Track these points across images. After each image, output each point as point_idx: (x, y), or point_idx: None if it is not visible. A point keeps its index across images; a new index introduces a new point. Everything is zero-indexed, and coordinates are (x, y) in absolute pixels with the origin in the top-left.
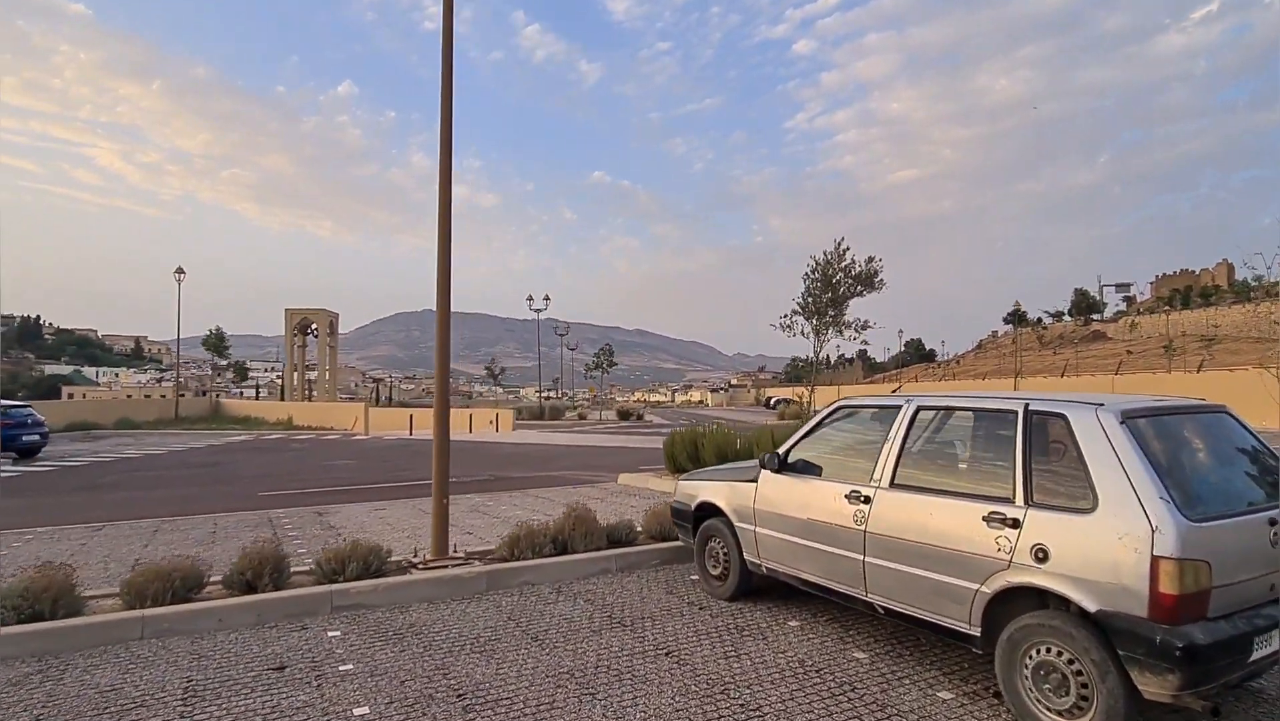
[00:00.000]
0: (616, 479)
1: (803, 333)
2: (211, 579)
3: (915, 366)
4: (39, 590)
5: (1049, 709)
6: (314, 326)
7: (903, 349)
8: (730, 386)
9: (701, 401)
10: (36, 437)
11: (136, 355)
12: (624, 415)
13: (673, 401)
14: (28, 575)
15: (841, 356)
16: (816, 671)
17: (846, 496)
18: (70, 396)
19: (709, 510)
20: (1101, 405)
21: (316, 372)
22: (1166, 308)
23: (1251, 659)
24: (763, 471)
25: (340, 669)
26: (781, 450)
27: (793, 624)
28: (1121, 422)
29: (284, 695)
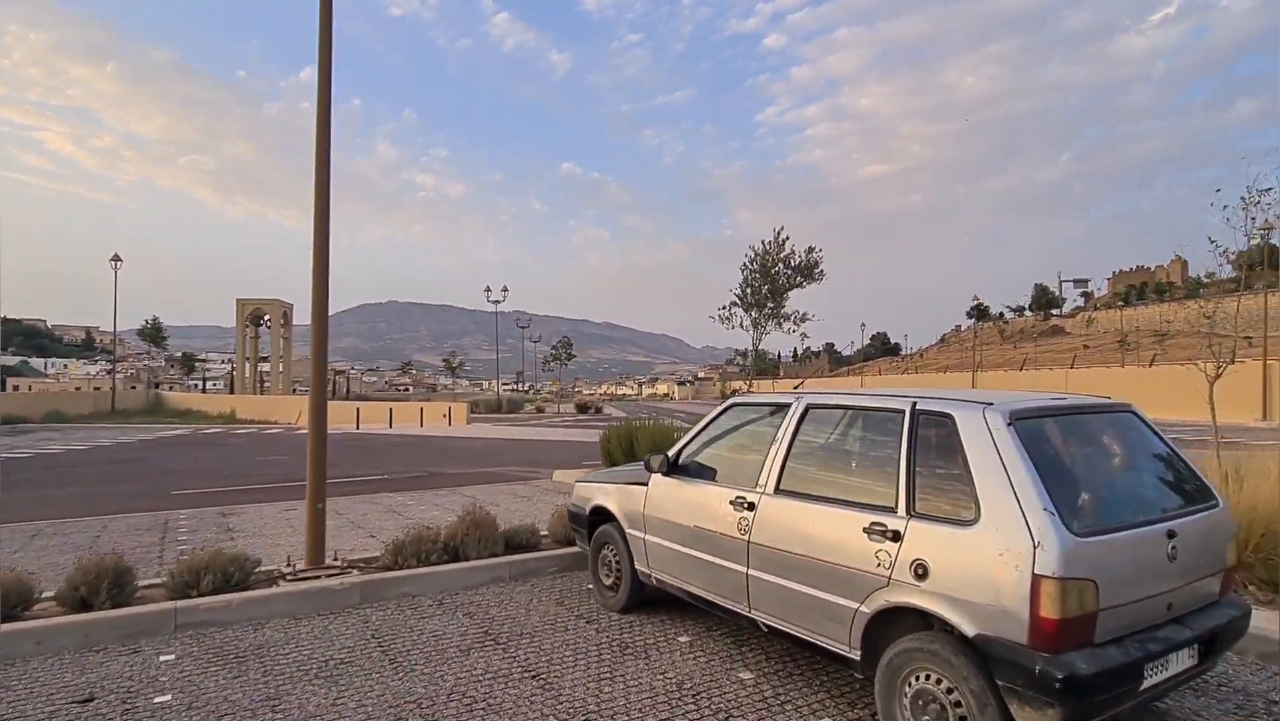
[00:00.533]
0: (552, 475)
1: (741, 325)
2: (46, 594)
3: (880, 360)
4: None
5: None
6: (267, 317)
7: (868, 342)
8: (697, 380)
9: (668, 395)
10: None
11: (88, 346)
12: (582, 409)
13: (639, 395)
14: None
15: (808, 349)
16: (694, 696)
17: (732, 502)
18: (15, 389)
19: (603, 515)
20: (991, 404)
21: (271, 364)
22: (1121, 303)
23: (1143, 687)
24: (653, 475)
25: (156, 700)
26: (672, 451)
27: (683, 639)
28: (1009, 424)
29: None
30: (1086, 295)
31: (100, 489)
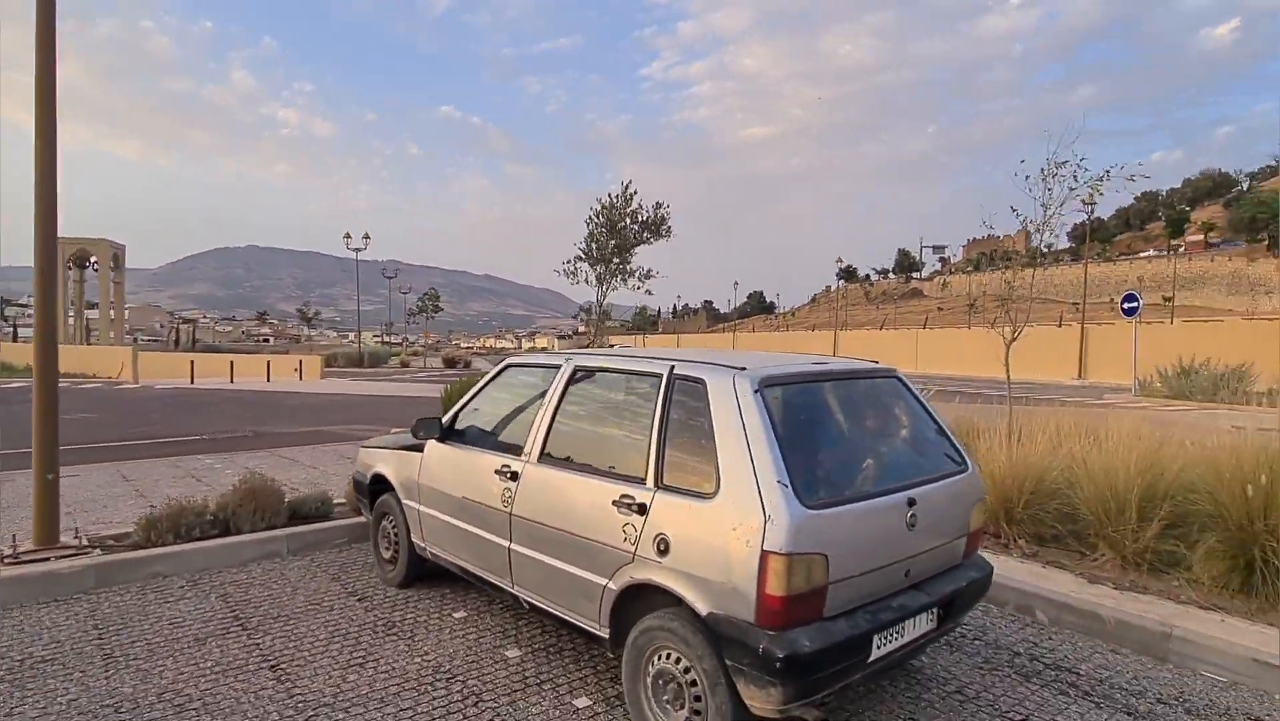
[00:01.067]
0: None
1: (587, 280)
2: None
3: (755, 317)
4: None
5: None
6: (93, 259)
7: (745, 300)
8: (576, 334)
9: (546, 348)
10: None
11: None
12: (450, 363)
13: (518, 348)
14: None
15: (686, 306)
16: (448, 679)
17: (497, 472)
18: None
19: (383, 483)
20: (743, 369)
21: (100, 311)
22: (972, 269)
23: (872, 658)
24: (428, 441)
25: None
26: (447, 416)
27: (459, 615)
28: (756, 391)
29: None
30: (944, 260)
31: None
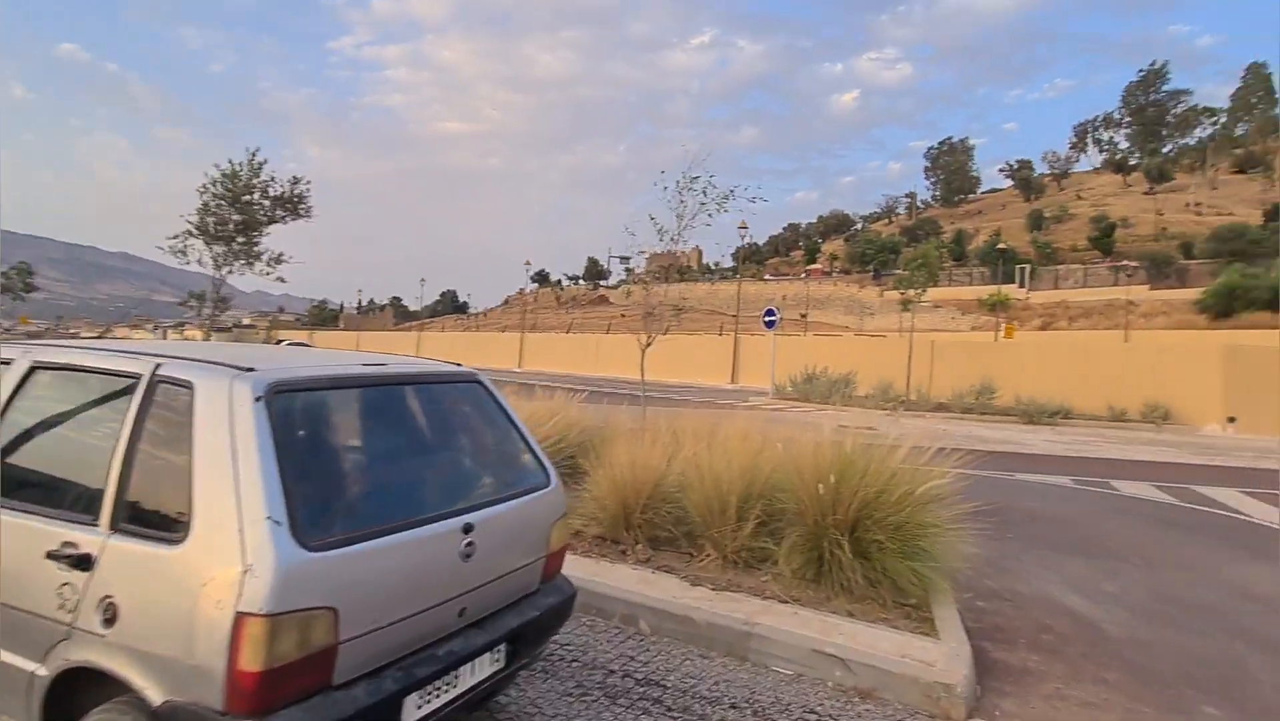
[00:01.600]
0: None
1: (200, 260)
2: None
3: (447, 317)
4: None
5: None
6: None
7: (438, 298)
8: (238, 326)
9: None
10: None
11: None
12: None
13: (164, 339)
14: None
15: (371, 302)
16: None
17: None
18: None
19: None
20: (251, 370)
21: None
22: (647, 279)
23: None
24: None
25: None
26: None
27: None
28: (260, 398)
29: None
30: (629, 270)
31: None
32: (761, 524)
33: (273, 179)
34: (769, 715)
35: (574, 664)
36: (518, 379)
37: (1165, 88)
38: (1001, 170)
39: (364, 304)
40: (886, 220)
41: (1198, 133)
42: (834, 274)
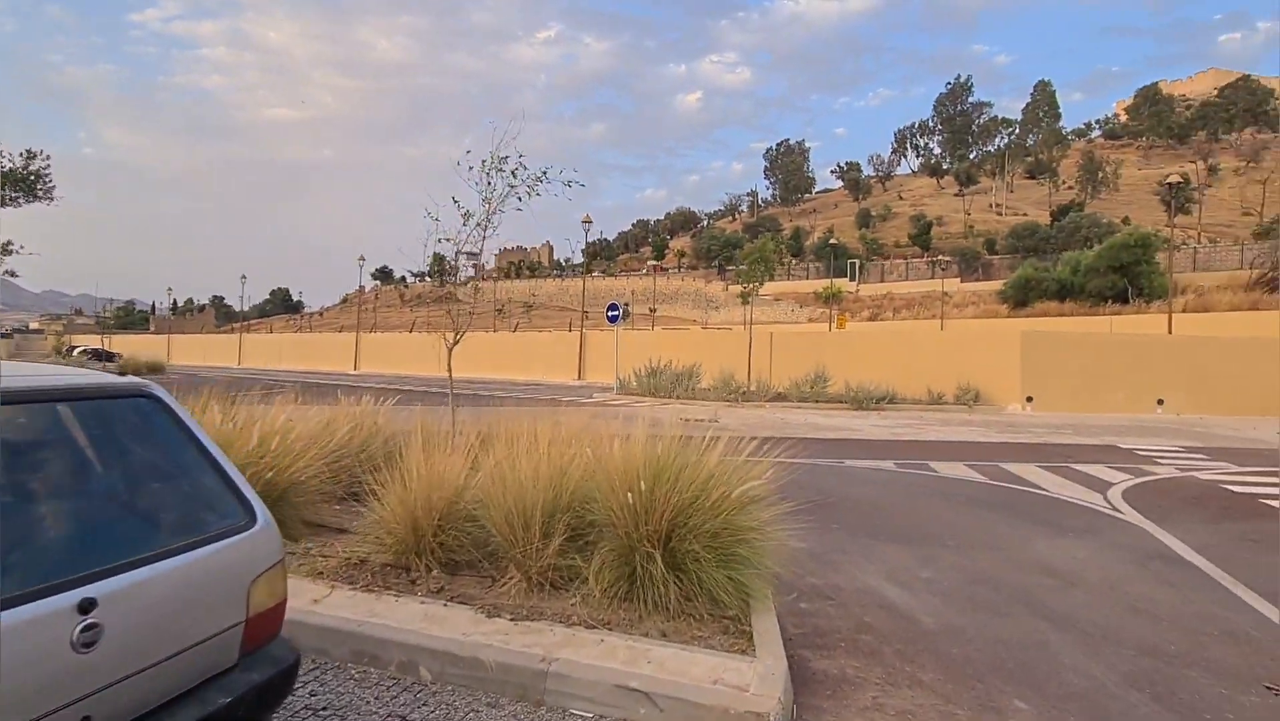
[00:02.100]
0: None
1: None
2: None
3: (279, 316)
4: None
5: None
6: None
7: (266, 297)
8: (25, 330)
9: None
10: None
11: None
12: None
13: None
14: None
15: (190, 302)
16: None
17: None
18: None
19: None
20: None
21: None
22: (497, 275)
23: None
24: None
25: None
26: None
27: None
28: None
29: None
30: (477, 267)
31: None
32: (572, 538)
33: (3, 152)
34: None
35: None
36: (349, 382)
37: (970, 100)
38: (833, 172)
39: (179, 304)
40: (730, 218)
41: (997, 141)
42: (681, 269)
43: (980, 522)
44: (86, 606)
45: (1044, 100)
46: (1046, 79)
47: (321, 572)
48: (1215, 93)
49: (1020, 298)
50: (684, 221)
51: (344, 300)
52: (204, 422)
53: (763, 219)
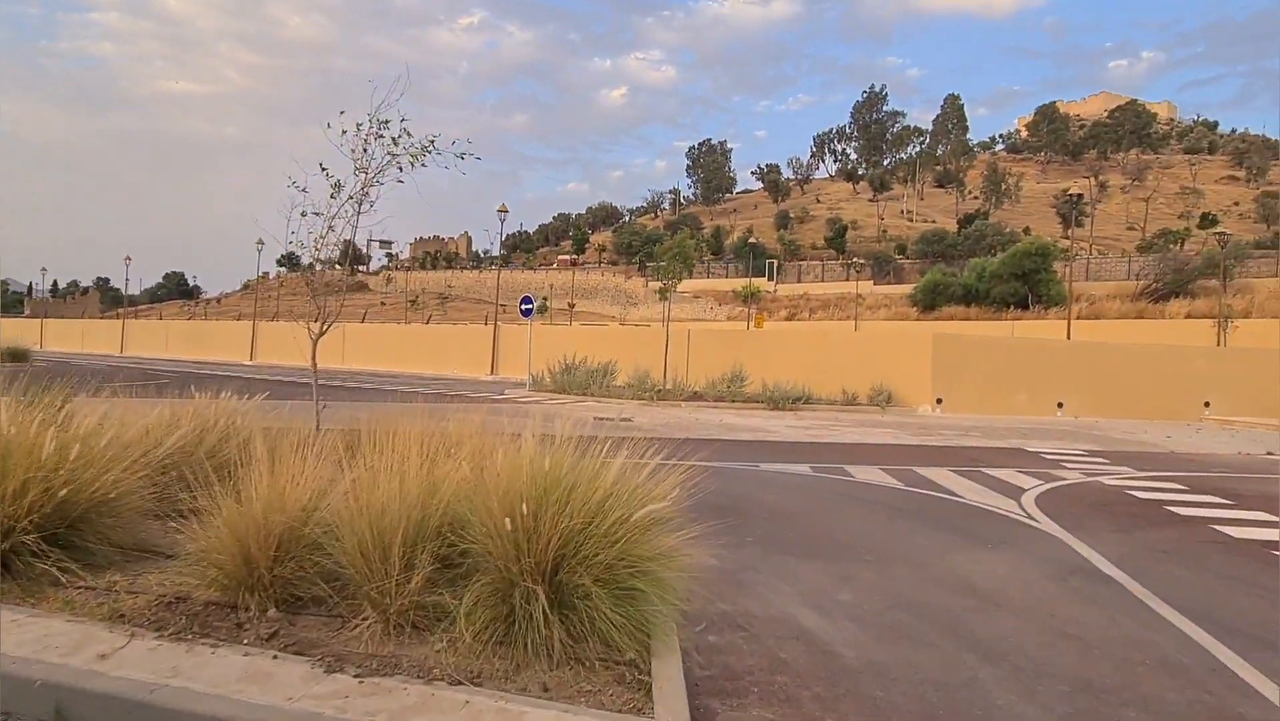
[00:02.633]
0: None
1: None
2: None
3: (171, 302)
4: None
5: None
6: None
7: (160, 281)
8: None
9: None
10: None
11: None
12: None
13: None
14: None
15: (74, 284)
16: None
17: None
18: None
19: None
20: None
21: None
22: (412, 265)
23: None
24: None
25: None
26: None
27: None
28: None
29: None
30: (390, 256)
31: None
32: (443, 568)
33: None
34: None
35: None
36: (239, 374)
37: (885, 109)
38: (754, 173)
39: (60, 286)
40: (653, 214)
41: (909, 150)
42: (601, 265)
43: (898, 533)
44: None
45: (953, 113)
46: (956, 93)
47: (124, 615)
48: (1106, 114)
49: (929, 301)
50: (606, 216)
51: (245, 286)
52: None
53: (684, 217)
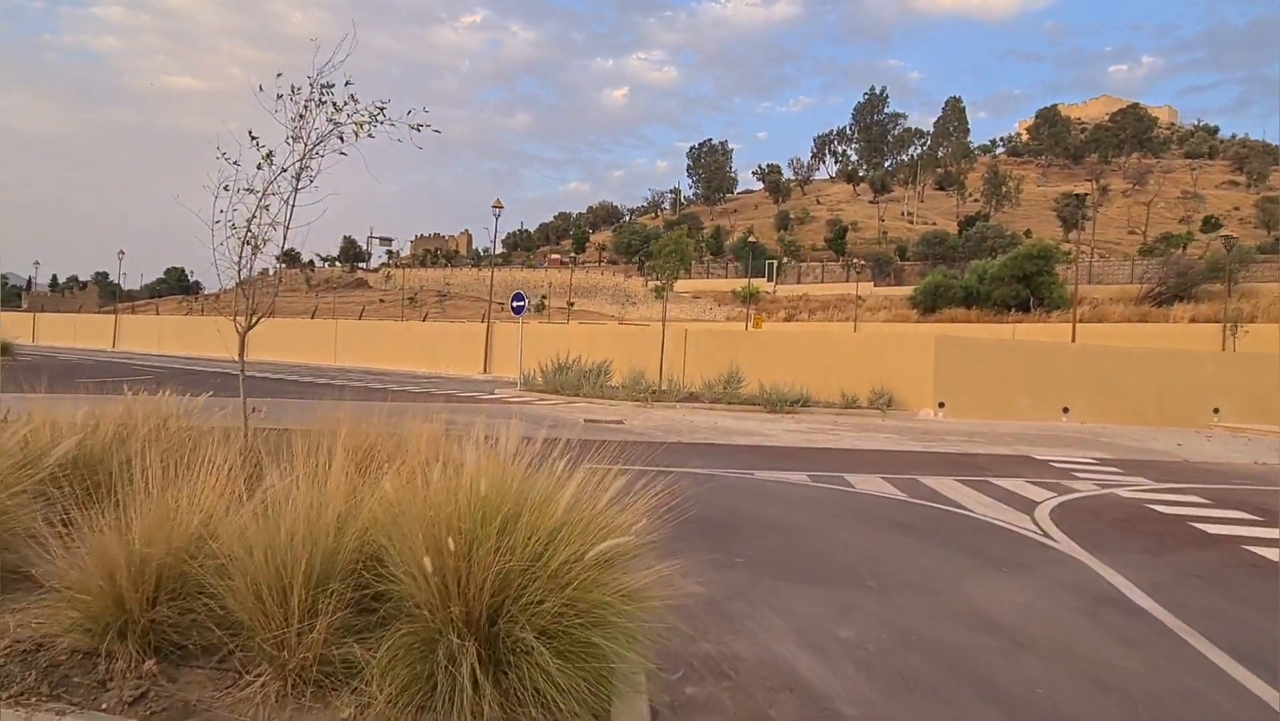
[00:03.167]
0: None
1: None
2: None
3: (170, 298)
4: None
5: None
6: None
7: (161, 276)
8: None
9: None
10: None
11: None
12: None
13: None
14: None
15: (74, 279)
16: None
17: None
18: None
19: None
20: None
21: None
22: (411, 263)
23: None
24: None
25: None
26: None
27: None
28: None
29: None
30: (390, 253)
31: None
32: (358, 611)
33: None
34: None
35: None
36: (226, 369)
37: (886, 110)
38: (754, 173)
39: (59, 280)
40: (653, 214)
41: (910, 151)
42: (602, 264)
43: (904, 553)
44: None
45: (954, 115)
46: (957, 95)
47: None
48: (1107, 118)
49: (930, 303)
50: (606, 215)
51: (243, 283)
52: None
53: (685, 216)
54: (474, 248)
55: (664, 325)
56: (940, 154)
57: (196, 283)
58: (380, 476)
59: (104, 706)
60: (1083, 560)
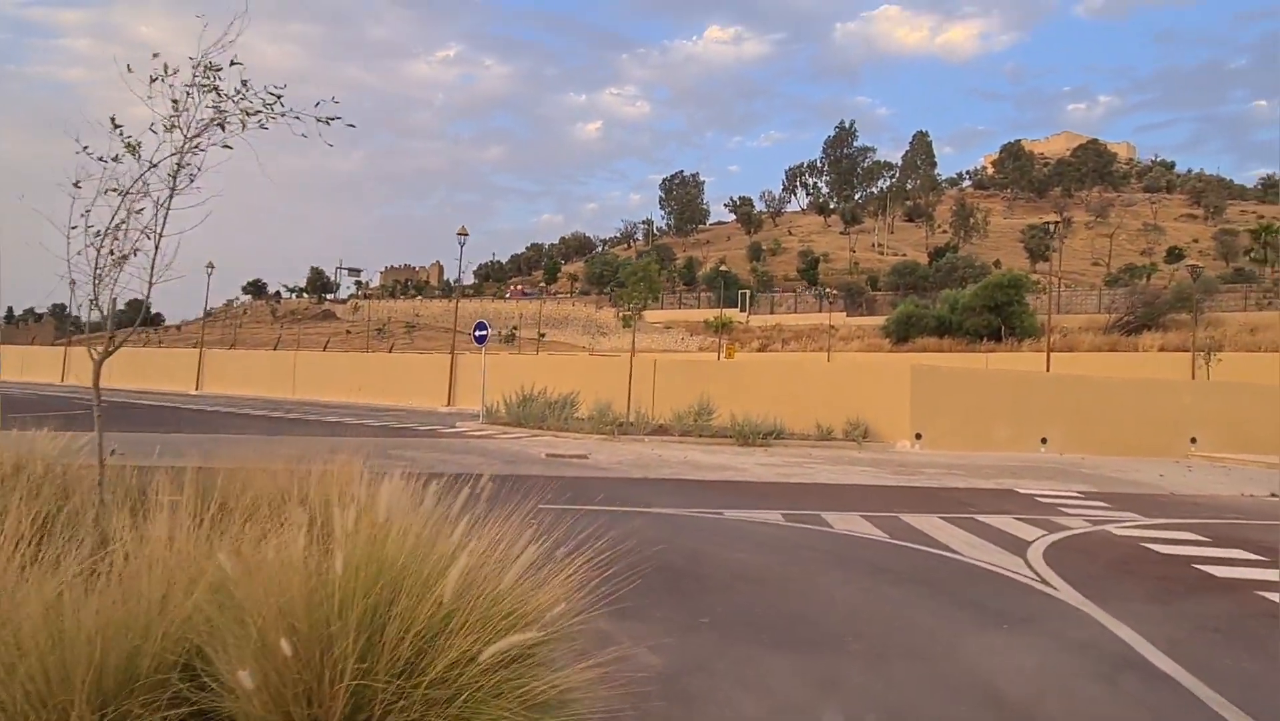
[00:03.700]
0: None
1: None
2: None
3: (128, 329)
4: None
5: None
6: None
7: (122, 308)
8: None
9: None
10: None
11: None
12: None
13: None
14: None
15: (30, 310)
16: None
17: None
18: None
19: None
20: None
21: None
22: (381, 294)
23: None
24: None
25: None
26: None
27: None
28: None
29: None
30: (359, 284)
31: None
32: None
33: None
34: None
35: None
36: (174, 404)
37: (855, 144)
38: (726, 205)
39: (15, 312)
40: (626, 245)
41: (880, 184)
42: (572, 295)
43: (890, 608)
44: None
45: (921, 149)
46: (924, 130)
47: None
48: (1069, 153)
49: (902, 333)
50: (579, 246)
51: (207, 314)
52: None
53: (658, 247)
54: (445, 279)
55: (632, 354)
56: (909, 186)
57: (159, 314)
58: (243, 538)
59: None
60: (1088, 612)
